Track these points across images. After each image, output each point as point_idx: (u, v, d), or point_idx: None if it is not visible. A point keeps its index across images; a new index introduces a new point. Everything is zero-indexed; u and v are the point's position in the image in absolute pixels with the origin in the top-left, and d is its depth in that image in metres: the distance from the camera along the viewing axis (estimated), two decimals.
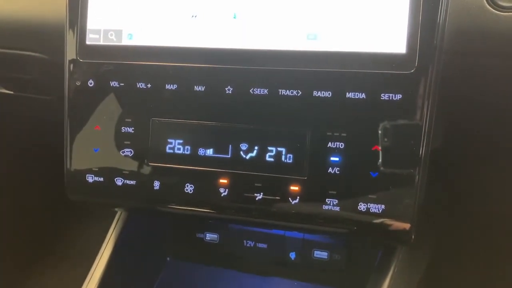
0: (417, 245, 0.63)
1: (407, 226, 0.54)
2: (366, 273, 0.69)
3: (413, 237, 0.55)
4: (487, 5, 0.54)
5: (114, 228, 0.74)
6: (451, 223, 0.66)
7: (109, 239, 0.73)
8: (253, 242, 0.81)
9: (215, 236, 0.83)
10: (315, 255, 0.78)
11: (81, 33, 0.63)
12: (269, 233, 0.80)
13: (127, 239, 0.75)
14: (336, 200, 0.55)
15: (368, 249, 0.74)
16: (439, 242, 0.67)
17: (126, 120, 0.61)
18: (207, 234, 0.84)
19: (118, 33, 0.62)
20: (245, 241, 0.81)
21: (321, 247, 0.78)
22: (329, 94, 0.55)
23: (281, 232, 0.80)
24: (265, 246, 0.80)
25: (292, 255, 0.79)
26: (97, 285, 0.69)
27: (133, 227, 0.77)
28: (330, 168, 0.55)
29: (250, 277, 0.81)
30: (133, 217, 0.76)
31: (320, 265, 0.78)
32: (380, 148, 0.53)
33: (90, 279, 0.69)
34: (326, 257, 0.78)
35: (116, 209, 0.71)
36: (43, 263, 1.01)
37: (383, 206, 0.54)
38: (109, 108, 0.62)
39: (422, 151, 0.53)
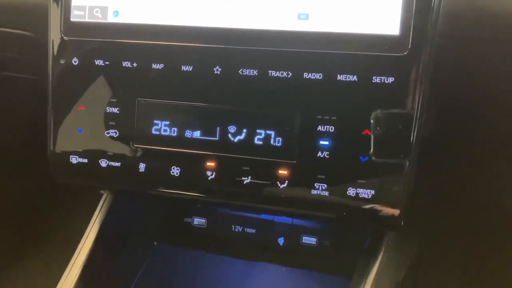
0: (406, 231, 0.63)
1: (396, 212, 0.53)
2: (355, 259, 0.69)
3: (402, 223, 0.55)
4: None
5: (99, 211, 0.72)
6: (441, 209, 0.66)
7: (94, 222, 0.72)
8: (241, 227, 0.80)
9: (203, 220, 0.82)
10: (303, 240, 0.77)
11: (66, 10, 0.61)
12: (257, 218, 0.79)
13: (112, 223, 0.74)
14: (325, 185, 0.54)
15: (357, 235, 0.73)
16: (429, 227, 0.66)
17: (111, 100, 0.59)
18: (195, 219, 0.82)
19: (104, 10, 0.59)
20: (233, 226, 0.80)
21: (310, 233, 0.77)
22: (320, 76, 0.53)
23: (269, 217, 0.79)
24: (253, 231, 0.79)
25: (281, 241, 0.78)
26: (80, 270, 0.67)
27: (119, 211, 0.75)
28: (320, 152, 0.54)
29: (238, 262, 0.80)
30: (119, 201, 0.75)
31: (309, 251, 0.77)
32: (370, 132, 0.52)
33: (74, 263, 0.67)
34: (314, 243, 0.77)
35: (101, 192, 0.70)
36: (27, 247, 1.00)
37: (372, 192, 0.53)
38: (94, 87, 0.60)
39: (413, 136, 0.52)
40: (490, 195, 0.62)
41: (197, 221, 0.82)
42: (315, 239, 0.77)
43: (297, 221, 0.78)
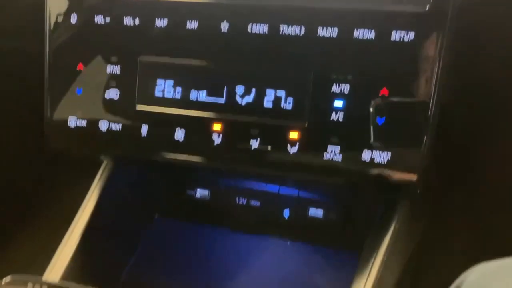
0: (421, 200, 0.60)
1: (413, 177, 0.50)
2: (363, 233, 0.66)
3: (419, 190, 0.52)
4: None
5: (98, 181, 0.69)
6: (456, 176, 0.63)
7: (92, 192, 0.69)
8: (246, 200, 0.77)
9: (206, 192, 0.79)
10: (310, 213, 0.74)
11: None
12: (262, 191, 0.76)
13: (112, 194, 0.71)
14: (338, 148, 0.51)
15: (366, 208, 0.70)
16: (444, 196, 0.64)
17: (112, 59, 0.56)
18: (198, 191, 0.80)
19: None
20: (237, 198, 0.77)
21: (317, 205, 0.74)
22: (335, 32, 0.50)
23: (275, 189, 0.76)
24: (258, 203, 0.76)
25: (286, 213, 0.76)
26: (78, 241, 0.65)
27: (118, 182, 0.72)
28: (333, 113, 0.51)
29: (241, 235, 0.78)
30: (119, 172, 0.72)
31: (315, 224, 0.74)
32: (388, 92, 0.49)
33: (72, 231, 0.65)
34: (321, 216, 0.74)
35: (101, 158, 0.67)
36: (24, 223, 0.97)
37: (388, 155, 0.50)
38: (94, 46, 0.57)
39: (433, 97, 0.49)
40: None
41: (200, 193, 0.80)
42: (322, 212, 0.74)
43: (303, 193, 0.75)
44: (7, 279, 0.51)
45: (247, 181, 0.77)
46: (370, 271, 0.57)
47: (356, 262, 0.64)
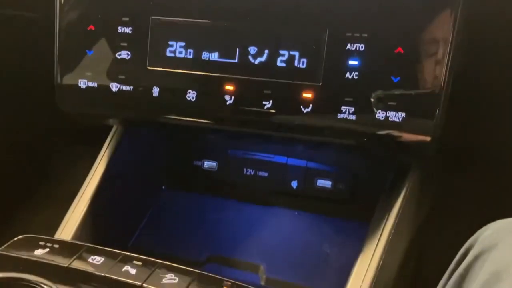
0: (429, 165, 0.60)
1: (427, 138, 0.50)
2: (371, 204, 0.66)
3: (431, 152, 0.52)
4: None
5: (106, 149, 0.69)
6: (465, 139, 0.63)
7: (100, 161, 0.68)
8: (253, 170, 0.77)
9: (213, 164, 0.79)
10: (318, 184, 0.74)
11: None
12: (270, 161, 0.76)
13: (119, 163, 0.71)
14: (353, 108, 0.51)
15: (374, 178, 0.70)
16: (453, 160, 0.64)
17: (123, 19, 0.56)
18: (205, 162, 0.79)
19: None
20: (245, 169, 0.77)
21: (325, 176, 0.74)
22: None
23: (283, 160, 0.76)
24: (266, 174, 0.76)
25: (294, 184, 0.75)
26: (86, 207, 0.64)
27: (126, 151, 0.72)
28: (348, 72, 0.50)
29: (249, 206, 0.77)
30: (126, 141, 0.71)
31: (323, 195, 0.74)
32: (403, 50, 0.49)
33: (81, 197, 0.64)
34: (329, 186, 0.74)
35: (111, 121, 0.66)
36: (35, 186, 0.97)
37: (403, 115, 0.50)
38: (105, 6, 0.56)
39: (449, 56, 0.48)
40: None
41: (207, 164, 0.79)
42: (330, 182, 0.74)
43: (311, 164, 0.75)
44: (20, 237, 0.51)
45: (254, 152, 0.76)
46: (380, 235, 0.57)
47: (364, 232, 0.63)
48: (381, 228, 0.58)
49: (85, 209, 0.63)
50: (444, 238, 0.65)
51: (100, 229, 0.67)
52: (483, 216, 0.46)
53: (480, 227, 0.42)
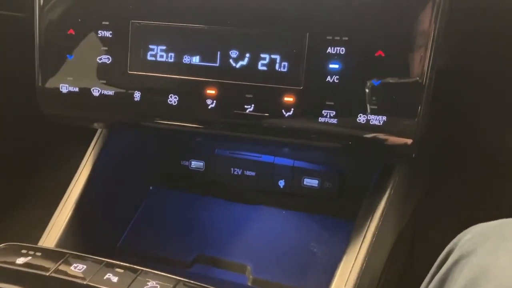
0: (415, 167, 0.60)
1: (409, 141, 0.50)
2: (358, 202, 0.66)
3: (414, 155, 0.52)
4: None
5: (91, 150, 0.68)
6: (450, 140, 0.63)
7: (86, 163, 0.68)
8: (241, 170, 0.77)
9: (201, 163, 0.79)
10: (305, 183, 0.74)
11: None
12: (257, 161, 0.76)
13: (106, 164, 0.70)
14: (334, 112, 0.51)
15: (360, 177, 0.70)
16: (439, 161, 0.64)
17: (103, 23, 0.55)
18: (192, 162, 0.79)
19: None
20: (232, 169, 0.77)
21: (312, 175, 0.74)
22: None
23: (270, 159, 0.76)
24: (253, 173, 0.76)
25: (281, 183, 0.76)
26: (72, 210, 0.64)
27: (113, 152, 0.72)
28: (329, 76, 0.50)
29: (237, 205, 0.77)
30: (113, 142, 0.71)
31: (311, 193, 0.74)
32: (384, 53, 0.49)
33: (64, 204, 0.64)
34: (316, 185, 0.74)
35: (94, 125, 0.66)
36: (20, 195, 0.97)
37: (384, 118, 0.50)
38: (84, 10, 0.55)
39: (430, 59, 0.48)
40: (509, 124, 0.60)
41: (195, 164, 0.79)
42: (317, 181, 0.74)
43: (298, 163, 0.75)
44: (2, 246, 0.51)
45: (242, 152, 0.76)
46: (364, 236, 0.58)
47: (351, 230, 0.64)
48: (365, 229, 0.58)
49: (71, 212, 0.63)
50: (434, 237, 0.66)
51: (88, 231, 0.67)
52: (473, 215, 0.46)
53: (470, 225, 0.42)
